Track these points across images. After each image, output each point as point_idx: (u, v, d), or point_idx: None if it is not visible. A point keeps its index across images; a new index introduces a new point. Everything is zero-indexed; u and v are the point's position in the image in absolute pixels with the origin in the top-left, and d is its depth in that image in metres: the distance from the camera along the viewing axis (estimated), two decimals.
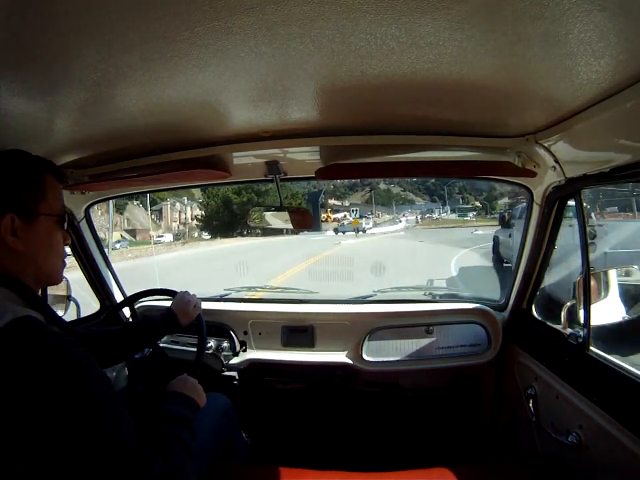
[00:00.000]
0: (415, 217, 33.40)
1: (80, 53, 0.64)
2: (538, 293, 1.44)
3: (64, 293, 1.58)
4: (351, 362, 1.56)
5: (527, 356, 1.38)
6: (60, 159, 1.23)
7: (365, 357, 1.56)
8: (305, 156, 1.29)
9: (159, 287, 1.53)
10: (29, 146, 0.82)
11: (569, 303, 1.19)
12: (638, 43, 0.61)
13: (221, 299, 1.88)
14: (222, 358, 1.63)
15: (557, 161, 1.09)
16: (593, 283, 1.11)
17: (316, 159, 1.28)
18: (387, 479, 1.13)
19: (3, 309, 0.63)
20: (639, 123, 0.77)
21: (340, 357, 1.57)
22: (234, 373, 1.71)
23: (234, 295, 1.92)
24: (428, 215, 34.59)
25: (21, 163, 0.75)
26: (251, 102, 0.90)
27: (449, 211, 35.35)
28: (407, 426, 1.69)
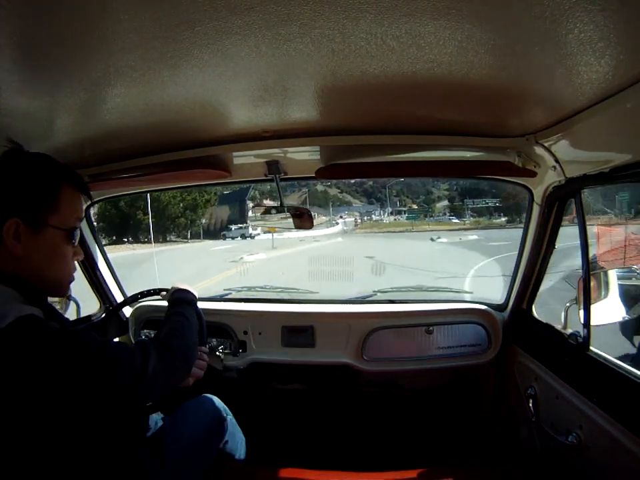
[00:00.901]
0: (353, 220, 28.58)
1: (80, 53, 0.64)
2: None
3: None
4: (351, 362, 1.56)
5: (527, 356, 1.37)
6: (60, 158, 1.21)
7: (365, 357, 1.56)
8: (305, 156, 1.29)
9: (162, 287, 1.53)
10: (29, 146, 0.82)
11: (568, 303, 1.19)
12: (638, 43, 0.61)
13: (221, 298, 1.88)
14: (221, 358, 1.63)
15: (557, 161, 1.09)
16: (592, 282, 1.11)
17: (316, 158, 1.28)
18: (386, 479, 1.13)
19: (7, 307, 0.64)
20: (639, 122, 0.77)
21: (340, 356, 1.57)
22: (234, 373, 1.71)
23: (234, 294, 1.92)
24: (367, 218, 30.41)
25: (40, 169, 0.74)
26: (251, 102, 0.90)
27: (388, 213, 31.14)
28: (407, 426, 1.69)
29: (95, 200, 1.61)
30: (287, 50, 0.66)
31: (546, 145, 1.06)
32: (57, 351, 0.63)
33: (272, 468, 1.16)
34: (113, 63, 0.68)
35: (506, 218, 22.81)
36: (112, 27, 0.58)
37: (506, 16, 0.56)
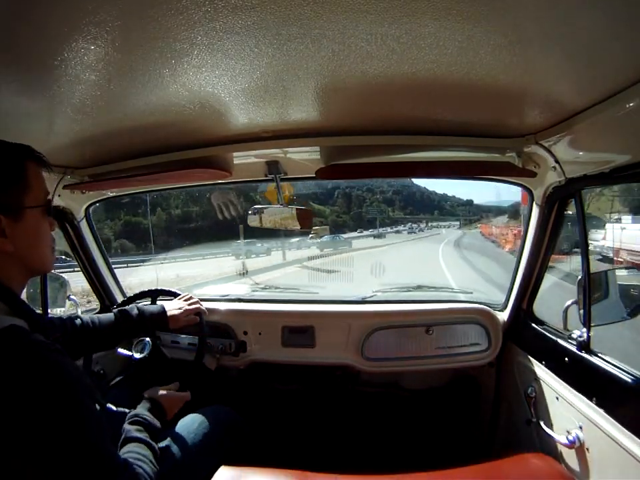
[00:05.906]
0: None
1: (80, 53, 0.64)
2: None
3: (63, 293, 1.58)
4: (351, 362, 1.56)
5: (527, 356, 1.38)
6: (60, 158, 1.23)
7: (365, 357, 1.55)
8: (305, 156, 1.29)
9: (162, 288, 1.53)
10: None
11: (568, 303, 1.19)
12: (638, 43, 0.61)
13: (221, 298, 1.88)
14: (222, 358, 1.63)
15: (557, 161, 1.09)
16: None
17: (316, 158, 1.28)
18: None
19: None
20: (639, 122, 0.77)
21: (340, 357, 1.57)
22: (234, 373, 1.71)
23: (234, 294, 1.92)
24: None
25: (1, 156, 0.70)
26: (252, 102, 0.90)
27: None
28: (407, 426, 1.69)
29: (95, 200, 1.61)
30: (287, 50, 0.66)
31: (546, 145, 1.06)
32: (38, 365, 0.60)
33: (271, 469, 1.16)
34: (113, 63, 0.68)
35: None
36: (112, 26, 0.57)
37: (506, 17, 0.56)
